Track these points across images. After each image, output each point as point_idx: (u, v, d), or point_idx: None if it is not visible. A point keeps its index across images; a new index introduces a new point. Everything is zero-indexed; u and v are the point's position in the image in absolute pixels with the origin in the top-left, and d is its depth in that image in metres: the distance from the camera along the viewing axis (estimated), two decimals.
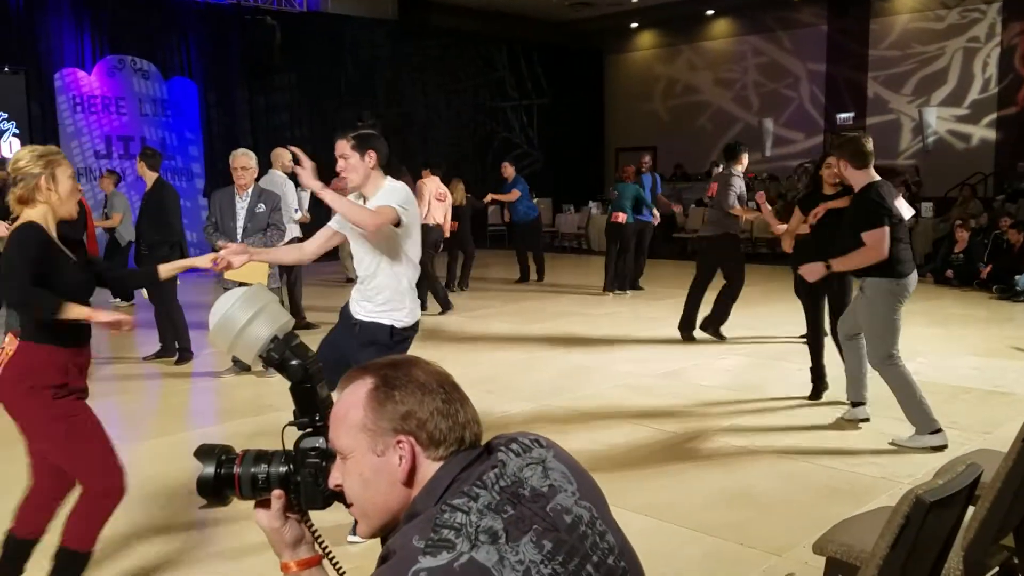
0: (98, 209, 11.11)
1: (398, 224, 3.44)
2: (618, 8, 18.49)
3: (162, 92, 14.02)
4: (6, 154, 12.14)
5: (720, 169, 7.87)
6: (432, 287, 9.49)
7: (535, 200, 12.52)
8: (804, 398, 5.72)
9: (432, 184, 9.76)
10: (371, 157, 3.50)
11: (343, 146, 3.52)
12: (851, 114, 17.00)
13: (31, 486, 2.99)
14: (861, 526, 2.50)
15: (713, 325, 7.66)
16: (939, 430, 4.63)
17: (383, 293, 3.54)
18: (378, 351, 3.35)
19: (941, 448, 4.58)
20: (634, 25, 20.00)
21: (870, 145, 4.82)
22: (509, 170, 11.75)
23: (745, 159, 7.60)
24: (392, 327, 3.52)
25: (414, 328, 3.63)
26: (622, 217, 10.41)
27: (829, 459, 4.54)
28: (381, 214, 3.39)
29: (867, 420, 5.12)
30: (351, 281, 11.12)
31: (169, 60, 14.10)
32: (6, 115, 12.47)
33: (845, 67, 16.98)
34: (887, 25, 16.52)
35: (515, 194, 11.50)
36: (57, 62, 12.96)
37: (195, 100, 14.39)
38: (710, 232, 7.69)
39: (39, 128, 12.50)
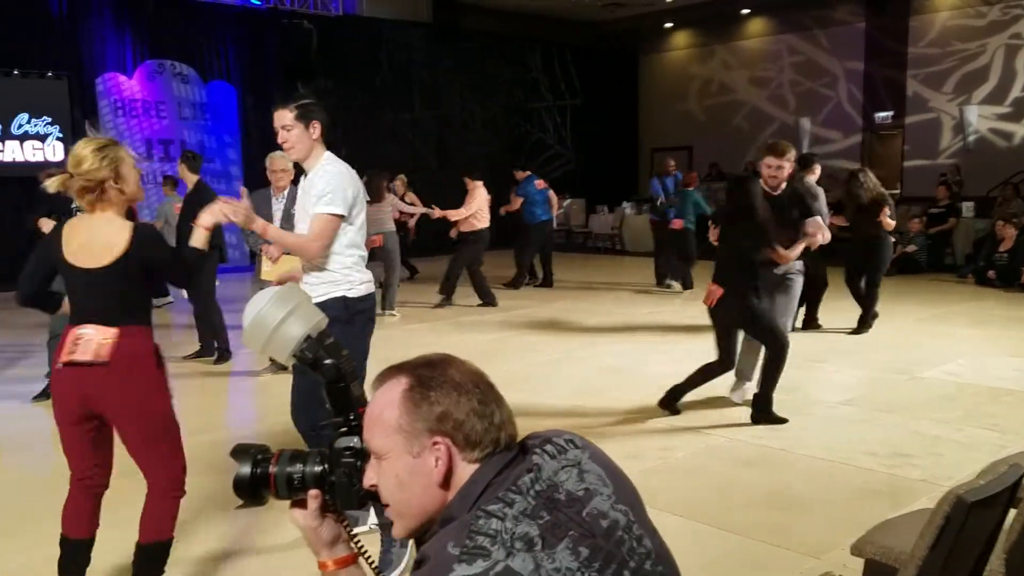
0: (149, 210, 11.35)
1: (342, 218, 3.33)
2: (652, 8, 18.42)
3: (201, 96, 14.23)
4: (51, 157, 12.40)
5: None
6: (478, 284, 9.97)
7: (568, 201, 12.52)
8: (841, 401, 5.67)
9: (482, 191, 10.07)
10: (315, 128, 3.35)
11: (284, 116, 3.33)
12: (890, 113, 16.77)
13: (72, 483, 2.99)
14: (900, 528, 2.47)
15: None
16: None
17: (331, 273, 3.39)
18: (337, 327, 3.21)
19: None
20: (668, 25, 19.90)
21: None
22: (521, 176, 11.55)
23: (818, 169, 7.58)
24: (344, 297, 3.36)
25: (367, 300, 3.47)
26: (679, 224, 10.57)
27: (868, 460, 4.49)
28: (322, 235, 3.29)
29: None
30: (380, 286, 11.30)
31: (208, 64, 14.31)
32: (50, 119, 12.73)
33: (884, 65, 16.74)
34: (927, 22, 16.27)
35: (517, 202, 11.36)
36: (99, 67, 13.21)
37: (233, 104, 14.58)
38: None
39: (81, 132, 12.72)
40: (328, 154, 3.43)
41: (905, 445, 4.74)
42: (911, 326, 8.31)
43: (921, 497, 3.90)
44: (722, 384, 5.80)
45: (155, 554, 2.99)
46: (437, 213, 10.00)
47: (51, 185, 2.83)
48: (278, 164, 6.33)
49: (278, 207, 6.38)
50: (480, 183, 10.17)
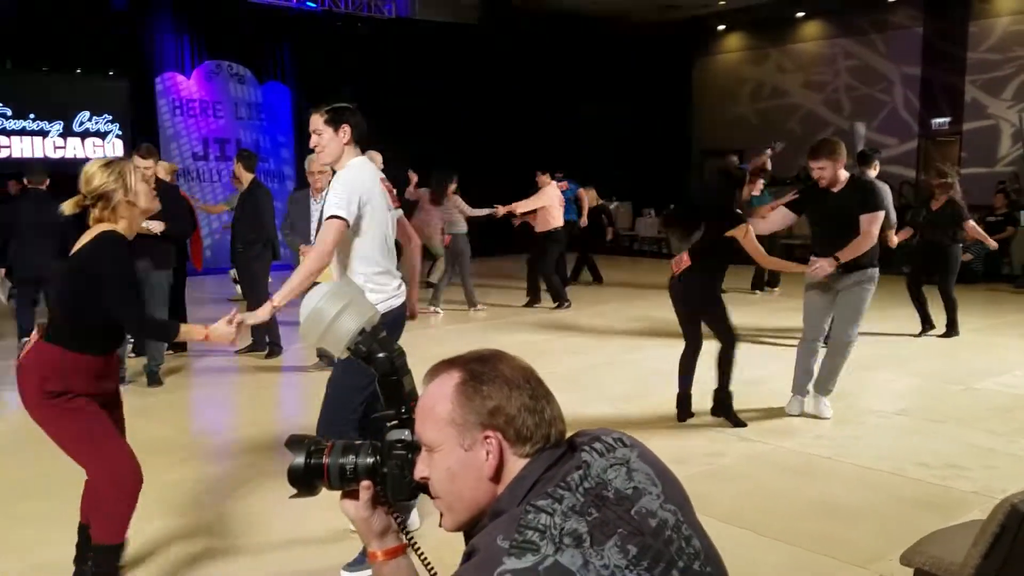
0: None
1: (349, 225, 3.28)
2: (706, 10, 18.29)
3: (257, 96, 14.50)
4: (110, 155, 12.74)
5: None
6: (550, 282, 10.04)
7: (614, 204, 12.49)
8: (894, 410, 5.58)
9: (553, 188, 10.07)
10: (345, 132, 3.36)
11: (316, 121, 3.38)
12: (947, 119, 16.42)
13: (86, 480, 3.05)
14: (951, 538, 2.44)
15: None
16: None
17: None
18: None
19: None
20: (721, 27, 19.73)
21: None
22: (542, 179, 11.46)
23: (877, 165, 7.69)
24: None
25: (384, 316, 3.39)
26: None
27: (920, 471, 4.42)
28: (323, 238, 3.25)
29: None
30: (429, 285, 11.38)
31: (264, 65, 14.57)
32: (110, 117, 13.08)
33: (941, 71, 16.39)
34: (987, 27, 15.90)
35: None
36: (158, 67, 13.53)
37: (287, 104, 14.82)
38: None
39: (140, 130, 13.07)
40: (355, 160, 3.40)
41: (958, 456, 4.65)
42: (966, 336, 8.14)
43: (973, 509, 3.83)
44: (769, 393, 5.76)
45: (100, 557, 2.96)
46: (502, 211, 9.90)
47: (66, 208, 2.87)
48: (315, 165, 6.36)
49: (316, 208, 6.41)
50: (552, 181, 10.14)
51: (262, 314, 3.23)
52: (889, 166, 16.52)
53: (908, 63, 16.92)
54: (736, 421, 5.27)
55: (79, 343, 2.84)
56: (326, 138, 3.37)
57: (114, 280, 2.81)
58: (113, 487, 2.92)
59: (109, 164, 2.88)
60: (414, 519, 3.64)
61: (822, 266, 5.05)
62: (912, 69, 16.87)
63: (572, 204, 11.34)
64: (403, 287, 3.55)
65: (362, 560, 3.21)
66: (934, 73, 16.49)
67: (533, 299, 10.24)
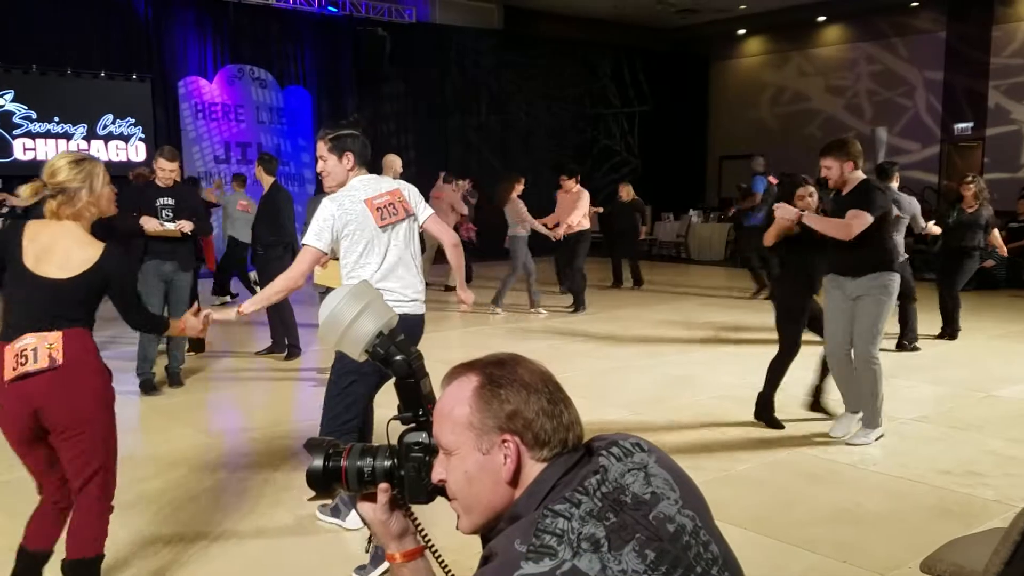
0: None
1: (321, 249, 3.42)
2: (725, 15, 18.25)
3: (278, 100, 14.60)
4: (133, 158, 12.86)
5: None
6: (575, 283, 10.10)
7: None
8: (914, 417, 5.53)
9: (585, 192, 10.10)
10: (348, 159, 3.46)
11: (321, 147, 3.49)
12: (970, 124, 16.28)
13: (43, 498, 2.95)
14: (972, 546, 2.42)
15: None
16: (880, 424, 4.99)
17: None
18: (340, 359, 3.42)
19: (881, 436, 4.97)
20: (741, 32, 19.67)
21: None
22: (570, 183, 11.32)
23: (898, 177, 7.63)
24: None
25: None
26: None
27: (941, 479, 4.38)
28: (296, 268, 3.47)
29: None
30: (449, 288, 11.41)
31: (285, 70, 14.67)
32: (133, 120, 13.20)
33: (964, 75, 16.26)
34: (1010, 32, 15.76)
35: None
36: (181, 70, 13.66)
37: (308, 108, 14.92)
38: None
39: (163, 133, 13.19)
40: (353, 182, 3.48)
41: (979, 464, 4.61)
42: (988, 343, 8.07)
43: (994, 517, 3.80)
44: (788, 398, 5.73)
45: (84, 571, 2.86)
46: (562, 231, 9.89)
47: (24, 192, 2.80)
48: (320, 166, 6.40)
49: None
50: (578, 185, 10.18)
51: (228, 315, 3.41)
52: (911, 171, 16.43)
53: (930, 67, 16.80)
54: (774, 423, 5.29)
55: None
56: (330, 164, 3.47)
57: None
58: (109, 494, 2.88)
59: (79, 162, 2.84)
60: None
61: (786, 208, 4.95)
62: (935, 73, 16.75)
63: None
64: (421, 295, 3.61)
65: (372, 563, 3.26)
66: (957, 78, 16.37)
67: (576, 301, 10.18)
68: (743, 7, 17.64)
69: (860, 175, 4.85)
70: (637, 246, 12.86)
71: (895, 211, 7.40)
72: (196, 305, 3.24)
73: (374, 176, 3.58)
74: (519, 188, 9.81)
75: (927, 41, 16.85)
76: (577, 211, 9.86)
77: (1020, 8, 15.66)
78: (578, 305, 10.04)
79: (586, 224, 10.02)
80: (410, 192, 3.64)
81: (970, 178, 8.21)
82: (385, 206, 3.49)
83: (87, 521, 2.85)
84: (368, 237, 3.42)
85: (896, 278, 4.85)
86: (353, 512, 3.59)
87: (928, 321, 8.29)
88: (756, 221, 10.56)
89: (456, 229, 10.91)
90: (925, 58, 16.86)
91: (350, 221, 3.40)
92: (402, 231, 3.53)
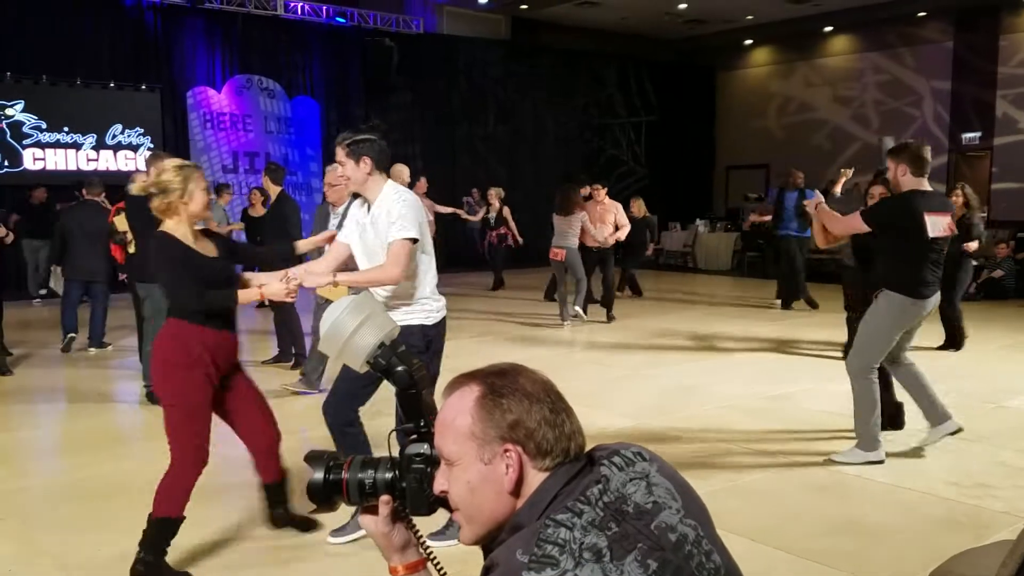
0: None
1: (415, 241, 3.44)
2: (732, 25, 18.27)
3: (286, 110, 14.67)
4: (142, 168, 12.92)
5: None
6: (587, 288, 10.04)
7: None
8: (922, 428, 5.50)
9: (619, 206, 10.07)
10: (365, 163, 3.46)
11: (339, 153, 3.50)
12: (977, 134, 16.25)
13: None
14: (980, 558, 2.40)
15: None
16: (877, 448, 4.74)
17: (408, 301, 3.51)
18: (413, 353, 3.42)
19: (878, 463, 4.69)
20: (748, 42, 19.69)
21: (927, 153, 4.70)
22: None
23: None
24: (423, 326, 3.51)
25: (440, 326, 3.60)
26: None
27: (949, 490, 4.35)
28: (398, 260, 3.38)
29: (960, 430, 4.90)
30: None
31: (293, 80, 14.76)
32: (142, 130, 13.28)
33: (972, 85, 16.24)
34: (1017, 42, 15.74)
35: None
36: (190, 81, 13.75)
37: (316, 118, 14.98)
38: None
39: (171, 143, 13.26)
40: (390, 184, 3.52)
41: (988, 476, 4.58)
42: (997, 353, 8.03)
43: (1003, 529, 3.77)
44: (795, 409, 5.70)
45: (159, 529, 3.25)
46: (611, 240, 9.91)
47: (135, 187, 3.37)
48: (328, 176, 6.29)
49: (333, 222, 6.38)
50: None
51: (320, 280, 3.47)
52: None
53: (938, 77, 16.79)
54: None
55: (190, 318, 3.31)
56: (349, 169, 3.48)
57: (161, 273, 3.36)
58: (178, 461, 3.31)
59: (181, 167, 3.32)
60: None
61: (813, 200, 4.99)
62: (942, 83, 16.74)
63: None
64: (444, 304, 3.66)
65: (349, 526, 3.53)
66: (964, 87, 16.35)
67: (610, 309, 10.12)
68: (750, 17, 17.66)
69: (913, 182, 4.55)
70: (641, 260, 12.79)
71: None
72: (287, 272, 3.40)
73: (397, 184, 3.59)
74: (582, 201, 9.79)
75: (934, 51, 16.84)
76: (624, 229, 9.90)
77: None
78: (576, 314, 9.97)
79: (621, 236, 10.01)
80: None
81: (957, 188, 8.17)
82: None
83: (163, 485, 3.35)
84: (428, 240, 3.56)
85: (896, 295, 4.59)
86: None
87: (929, 332, 8.25)
88: (792, 231, 10.48)
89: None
90: (932, 68, 16.85)
91: (424, 219, 3.50)
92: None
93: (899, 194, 4.59)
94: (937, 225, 4.55)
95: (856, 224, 4.66)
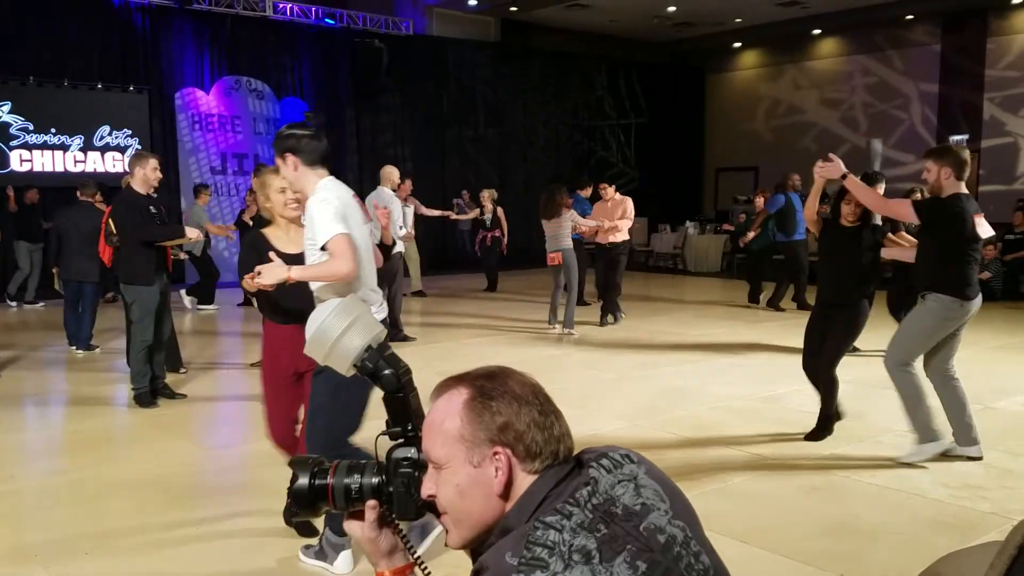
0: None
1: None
2: (721, 28, 18.33)
3: (275, 112, 14.63)
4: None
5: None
6: (611, 294, 9.94)
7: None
8: (910, 429, 5.52)
9: (630, 201, 9.87)
10: (292, 161, 3.27)
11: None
12: (965, 136, 16.35)
13: None
14: (967, 560, 2.40)
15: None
16: (938, 439, 4.75)
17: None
18: (326, 380, 3.16)
19: (943, 453, 4.73)
20: (737, 45, 19.77)
21: (968, 156, 4.71)
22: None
23: (881, 188, 7.54)
24: None
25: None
26: None
27: (937, 491, 4.37)
28: (344, 252, 3.11)
29: (980, 458, 4.84)
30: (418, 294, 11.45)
31: (282, 81, 14.72)
32: (130, 132, 13.22)
33: (959, 87, 16.35)
34: (1005, 44, 15.85)
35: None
36: (178, 82, 13.70)
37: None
38: None
39: (159, 144, 13.21)
40: (322, 182, 3.29)
41: (976, 477, 4.60)
42: (985, 355, 8.07)
43: (991, 531, 3.79)
44: (783, 410, 5.71)
45: None
46: (607, 225, 9.62)
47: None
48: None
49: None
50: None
51: (279, 273, 3.20)
52: (905, 183, 16.44)
53: (925, 80, 16.90)
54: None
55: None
56: (283, 169, 3.35)
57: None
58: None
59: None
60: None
61: (831, 167, 4.82)
62: (930, 86, 16.84)
63: None
64: (384, 303, 3.47)
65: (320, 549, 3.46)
66: (952, 90, 16.46)
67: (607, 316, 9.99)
68: (739, 20, 17.72)
69: (956, 186, 4.57)
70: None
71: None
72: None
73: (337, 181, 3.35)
74: (568, 200, 9.62)
75: (922, 54, 16.95)
76: (626, 220, 9.67)
77: (1014, 21, 15.76)
78: (616, 316, 9.91)
79: (621, 237, 9.75)
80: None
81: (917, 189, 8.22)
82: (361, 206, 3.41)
83: None
84: (359, 233, 3.26)
85: (946, 297, 4.60)
86: (341, 557, 3.44)
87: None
88: (801, 235, 10.50)
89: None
90: (920, 70, 16.95)
91: (349, 211, 3.23)
92: (368, 234, 3.41)
93: (951, 195, 4.57)
94: (984, 227, 4.63)
95: (903, 211, 4.65)
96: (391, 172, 8.28)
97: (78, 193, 8.45)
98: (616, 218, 9.68)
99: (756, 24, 17.82)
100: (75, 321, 8.25)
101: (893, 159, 17.20)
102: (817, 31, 18.22)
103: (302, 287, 3.32)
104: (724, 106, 20.55)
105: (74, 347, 8.27)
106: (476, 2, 16.07)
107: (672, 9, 16.58)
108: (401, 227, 8.31)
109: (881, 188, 7.45)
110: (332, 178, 3.33)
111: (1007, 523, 3.86)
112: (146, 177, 6.07)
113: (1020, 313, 11.06)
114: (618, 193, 10.02)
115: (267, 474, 4.63)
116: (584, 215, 9.97)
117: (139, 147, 13.17)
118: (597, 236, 9.84)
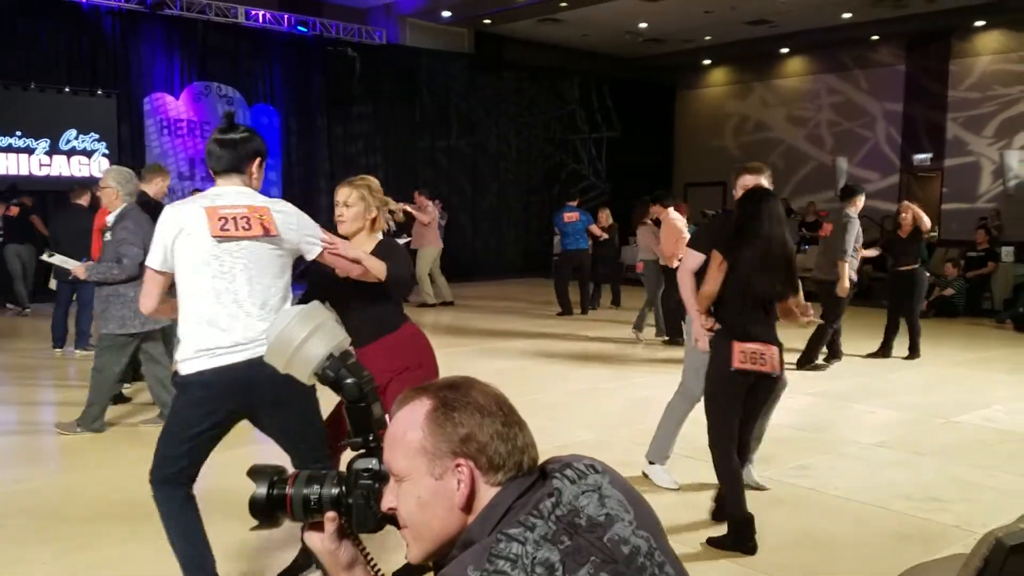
0: None
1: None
2: (691, 45, 18.52)
3: (245, 118, 14.49)
4: (96, 173, 12.68)
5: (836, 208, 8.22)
6: (662, 313, 9.83)
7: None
8: (875, 442, 5.59)
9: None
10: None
11: None
12: (928, 155, 16.66)
13: None
14: (933, 571, 2.44)
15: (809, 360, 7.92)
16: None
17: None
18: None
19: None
20: (707, 62, 19.99)
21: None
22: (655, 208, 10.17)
23: (861, 201, 7.74)
24: (175, 372, 2.99)
25: (198, 376, 2.83)
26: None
27: (901, 503, 4.43)
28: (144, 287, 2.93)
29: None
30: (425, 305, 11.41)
31: (253, 87, 14.61)
32: (97, 136, 13.04)
33: (923, 107, 16.67)
34: (967, 66, 16.20)
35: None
36: (147, 86, 13.54)
37: (276, 126, 14.84)
38: (825, 276, 7.76)
39: (127, 149, 13.05)
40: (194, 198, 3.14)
41: (939, 489, 4.67)
42: (948, 370, 8.21)
43: (955, 543, 3.84)
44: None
45: None
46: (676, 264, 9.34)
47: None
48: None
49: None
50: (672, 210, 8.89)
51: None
52: (871, 200, 16.66)
53: (890, 99, 17.20)
54: None
55: None
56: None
57: None
58: None
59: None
60: None
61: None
62: (894, 105, 17.14)
63: (584, 234, 11.73)
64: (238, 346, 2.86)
65: None
66: (916, 110, 16.77)
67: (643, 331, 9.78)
68: (708, 38, 17.92)
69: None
70: (593, 271, 12.63)
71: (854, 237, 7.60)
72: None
73: (239, 188, 3.06)
74: (644, 216, 9.72)
75: (887, 74, 17.25)
76: (683, 240, 8.19)
77: (976, 44, 16.11)
78: (670, 335, 9.53)
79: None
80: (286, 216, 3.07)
81: (904, 206, 8.62)
82: (234, 218, 2.91)
83: None
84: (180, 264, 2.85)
85: None
86: None
87: (861, 341, 8.43)
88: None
89: None
90: (885, 90, 17.25)
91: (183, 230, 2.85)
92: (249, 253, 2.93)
93: None
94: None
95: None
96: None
97: (70, 197, 8.68)
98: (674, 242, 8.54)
99: (725, 42, 18.03)
100: (64, 324, 8.21)
101: (858, 176, 17.44)
102: (785, 50, 18.48)
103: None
104: (693, 122, 20.76)
105: (57, 350, 8.15)
106: (450, 14, 16.09)
107: (643, 26, 16.72)
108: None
109: (860, 200, 7.73)
110: (203, 193, 3.11)
111: (970, 536, 3.92)
112: (161, 189, 6.53)
113: (981, 329, 11.26)
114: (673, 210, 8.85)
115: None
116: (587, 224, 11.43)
117: (107, 152, 13.02)
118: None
